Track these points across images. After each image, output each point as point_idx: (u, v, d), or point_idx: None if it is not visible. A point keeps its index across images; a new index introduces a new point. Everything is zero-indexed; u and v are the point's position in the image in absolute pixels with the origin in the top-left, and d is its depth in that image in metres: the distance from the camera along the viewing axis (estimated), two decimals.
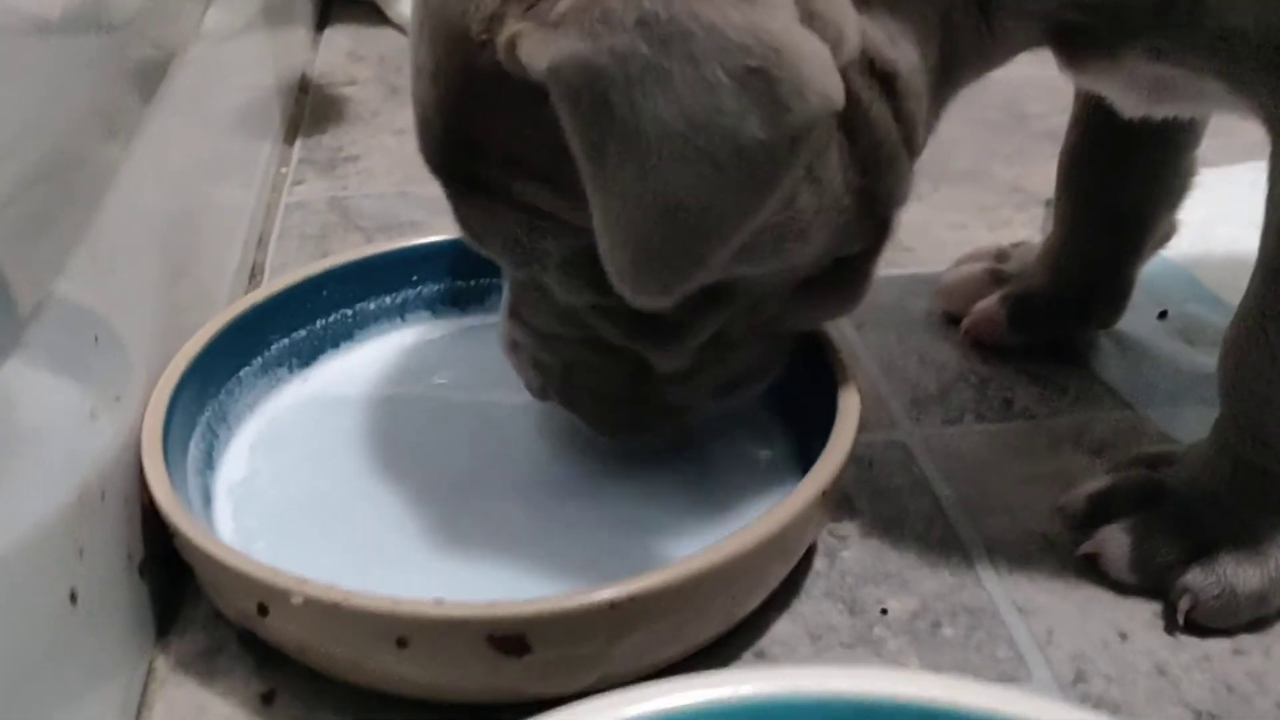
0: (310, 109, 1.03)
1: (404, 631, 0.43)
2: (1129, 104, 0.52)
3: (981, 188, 0.88)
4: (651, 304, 0.41)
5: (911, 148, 0.45)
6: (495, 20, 0.40)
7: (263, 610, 0.45)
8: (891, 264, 0.76)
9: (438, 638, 0.43)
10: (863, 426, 0.52)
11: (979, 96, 1.03)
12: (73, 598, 0.42)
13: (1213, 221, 0.76)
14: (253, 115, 0.89)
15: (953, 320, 0.71)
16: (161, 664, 0.49)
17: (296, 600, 0.43)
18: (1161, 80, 0.49)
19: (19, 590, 0.38)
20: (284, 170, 0.92)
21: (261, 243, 0.82)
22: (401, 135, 0.97)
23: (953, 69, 0.46)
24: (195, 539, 0.46)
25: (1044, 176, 0.87)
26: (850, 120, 0.43)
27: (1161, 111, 0.53)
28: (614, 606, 0.42)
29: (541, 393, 0.54)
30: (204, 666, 0.49)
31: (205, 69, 0.75)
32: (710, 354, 0.50)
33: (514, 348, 0.54)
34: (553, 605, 0.42)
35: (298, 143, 0.97)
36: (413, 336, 0.66)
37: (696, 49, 0.36)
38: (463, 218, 0.48)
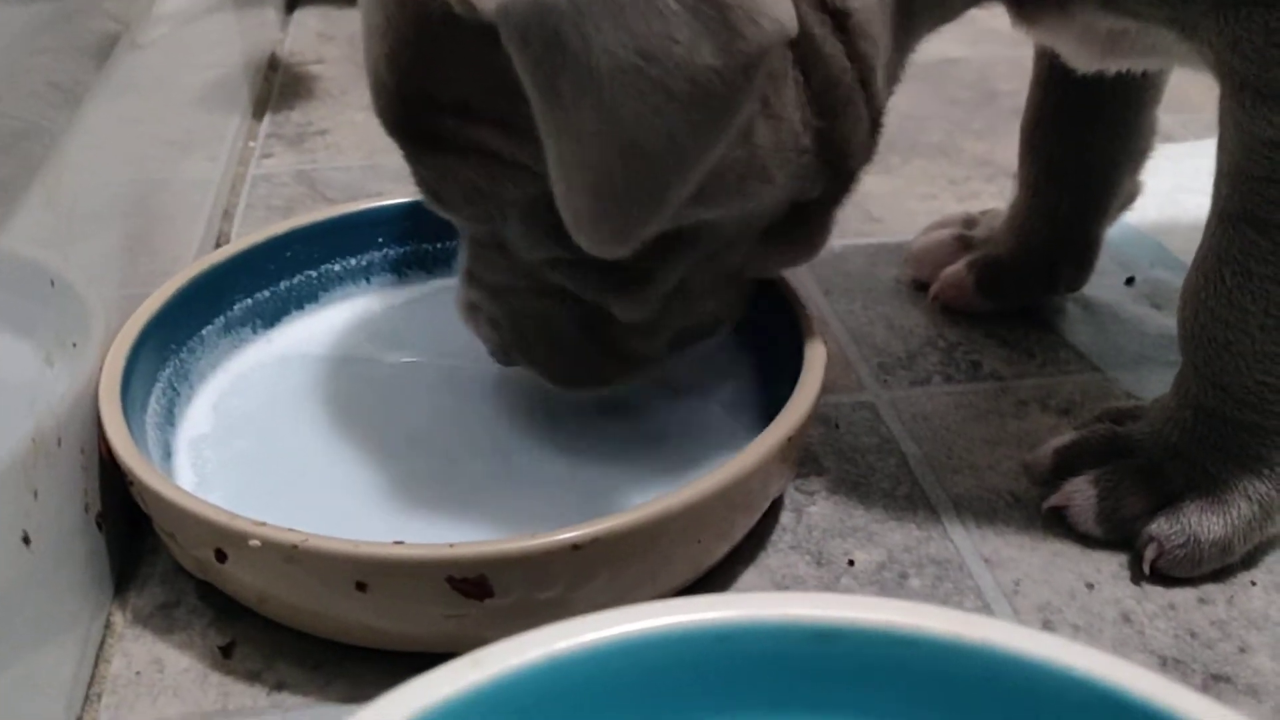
0: (279, 86, 1.03)
1: (363, 574, 0.42)
2: (1083, 58, 0.52)
3: (951, 161, 0.88)
4: (609, 252, 0.40)
5: (870, 92, 0.45)
6: None
7: (220, 556, 0.44)
8: (860, 234, 0.77)
9: (398, 580, 0.42)
10: (829, 388, 0.52)
11: (949, 75, 1.04)
12: (26, 540, 0.41)
13: (1179, 190, 0.77)
14: (220, 92, 0.88)
15: (921, 287, 0.71)
16: (119, 618, 0.49)
17: (254, 543, 0.42)
18: (1114, 33, 0.49)
19: None
20: (251, 144, 0.91)
21: (228, 214, 0.81)
22: (370, 111, 0.96)
23: (910, 15, 0.46)
24: (151, 483, 0.45)
25: (1013, 150, 0.86)
26: (804, 56, 0.43)
27: (1115, 65, 0.53)
28: (577, 548, 0.42)
29: (504, 355, 0.54)
30: (162, 620, 0.49)
31: (172, 48, 0.74)
32: (674, 303, 0.50)
33: (471, 310, 0.53)
34: (515, 546, 0.42)
35: (266, 118, 0.96)
36: (378, 299, 0.66)
37: None
38: (421, 177, 0.48)
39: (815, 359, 0.52)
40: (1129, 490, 0.51)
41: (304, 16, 1.20)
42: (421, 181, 0.48)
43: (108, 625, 0.48)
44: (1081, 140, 0.63)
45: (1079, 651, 0.32)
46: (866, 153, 0.47)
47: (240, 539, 0.43)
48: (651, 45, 0.36)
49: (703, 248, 0.47)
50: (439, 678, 0.31)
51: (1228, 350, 0.48)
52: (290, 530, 0.42)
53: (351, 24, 1.17)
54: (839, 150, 0.45)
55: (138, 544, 0.52)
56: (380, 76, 0.45)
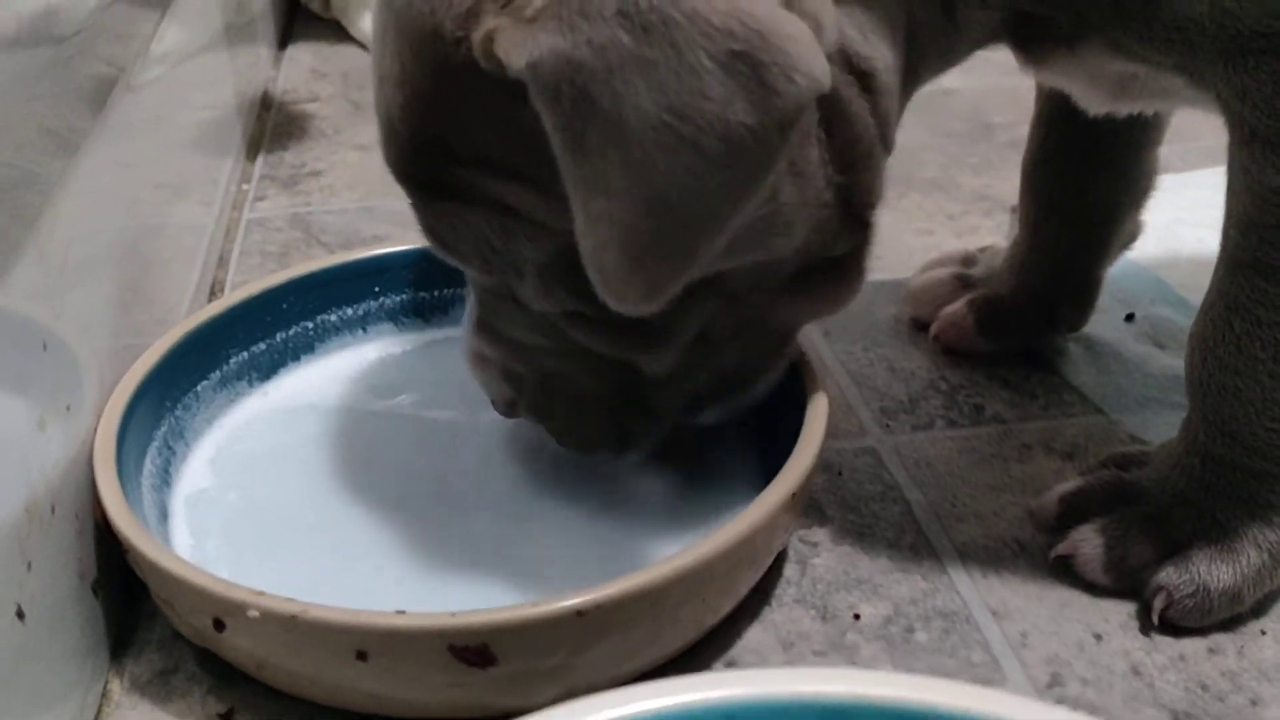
0: (272, 126, 1.02)
1: (364, 644, 0.41)
2: (1093, 101, 0.52)
3: (948, 196, 0.88)
4: (638, 309, 0.40)
5: (886, 145, 0.45)
6: (470, 17, 0.39)
7: (219, 625, 0.43)
8: None
9: (398, 649, 0.41)
10: (831, 433, 0.51)
11: (944, 107, 1.04)
12: (20, 614, 0.41)
13: (1178, 224, 0.77)
14: (213, 133, 0.88)
15: (921, 327, 0.70)
16: (116, 686, 0.48)
17: (253, 614, 0.42)
18: (1124, 76, 0.49)
19: None
20: (245, 187, 0.91)
21: (222, 261, 0.81)
22: (364, 151, 0.96)
23: (917, 66, 0.46)
24: (148, 552, 0.44)
25: (1010, 185, 0.87)
26: (830, 115, 0.42)
27: (1125, 108, 0.53)
28: (581, 614, 0.41)
29: (509, 408, 0.53)
30: (160, 687, 0.48)
31: (164, 87, 0.74)
32: (698, 352, 0.49)
33: (480, 362, 0.52)
34: (517, 614, 0.41)
35: (259, 159, 0.96)
36: (375, 349, 0.65)
37: (679, 35, 0.35)
38: (430, 227, 0.47)
39: (817, 408, 0.51)
40: (1136, 538, 0.50)
41: (296, 53, 1.20)
42: (430, 230, 0.47)
43: (105, 693, 0.48)
44: (1083, 180, 0.63)
45: None
46: (881, 197, 0.47)
47: (238, 609, 0.42)
48: (684, 102, 0.36)
49: (719, 296, 0.47)
50: None
51: (1237, 397, 0.47)
52: (289, 600, 0.42)
53: (344, 60, 1.17)
54: (861, 201, 0.45)
55: (135, 609, 0.51)
56: (393, 125, 0.44)
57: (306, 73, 1.15)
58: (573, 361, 0.50)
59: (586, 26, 0.35)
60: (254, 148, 0.98)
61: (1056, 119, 0.62)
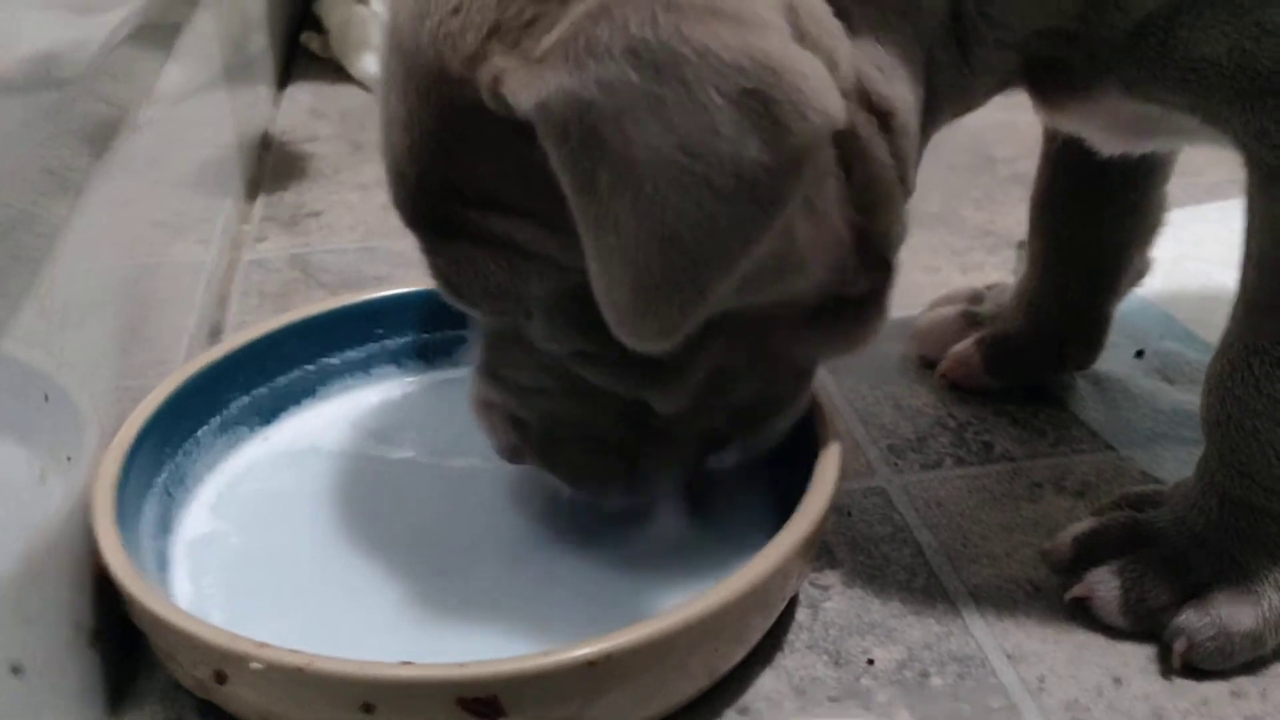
0: (272, 166, 1.02)
1: (370, 696, 0.40)
2: (1108, 143, 0.51)
3: (952, 231, 0.87)
4: (652, 347, 0.39)
5: (906, 186, 0.45)
6: (477, 59, 0.39)
7: (220, 678, 0.43)
8: None
9: (406, 702, 0.41)
10: (842, 475, 0.50)
11: (946, 140, 1.04)
12: (16, 670, 0.40)
13: (1184, 258, 0.76)
14: (213, 173, 0.88)
15: (928, 365, 0.70)
16: None
17: (256, 666, 0.41)
18: (1139, 118, 0.48)
19: None
20: (245, 227, 0.90)
21: (222, 301, 0.80)
22: (365, 190, 0.96)
23: (936, 107, 0.46)
24: (147, 604, 0.43)
25: (1014, 219, 0.87)
26: (847, 153, 0.42)
27: (1141, 148, 0.53)
28: (592, 665, 0.41)
29: (514, 454, 0.52)
30: None
31: (164, 128, 0.73)
32: (713, 389, 0.48)
33: (486, 407, 0.51)
34: (527, 664, 0.40)
35: (259, 199, 0.95)
36: (378, 391, 0.64)
37: (689, 73, 0.35)
38: (439, 270, 0.46)
39: (829, 453, 0.50)
40: (1154, 580, 0.49)
41: (296, 92, 1.20)
42: (438, 272, 0.46)
43: None
44: (1091, 218, 0.63)
45: None
46: (901, 240, 0.46)
47: (241, 661, 0.41)
48: (694, 141, 0.35)
49: (735, 334, 0.46)
50: None
51: (1255, 438, 0.47)
52: (294, 652, 0.41)
53: (344, 100, 1.17)
54: (880, 243, 0.45)
55: (134, 659, 0.50)
56: (400, 167, 0.44)
57: (306, 112, 1.15)
58: (581, 402, 0.49)
59: (594, 65, 0.35)
60: (254, 188, 0.97)
61: (1064, 157, 0.62)
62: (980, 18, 0.44)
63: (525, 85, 0.36)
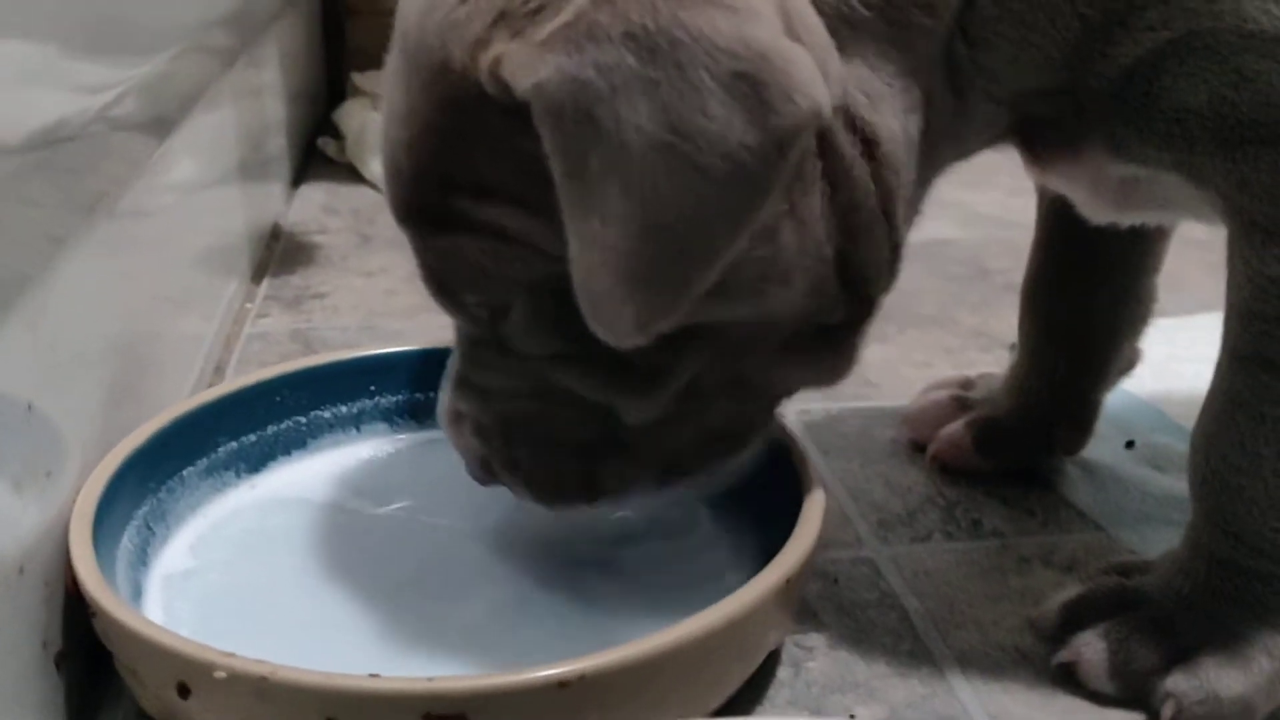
0: (280, 253, 1.04)
1: (335, 709, 0.40)
2: (1096, 209, 0.52)
3: (946, 332, 0.88)
4: (627, 341, 0.39)
5: (892, 223, 0.45)
6: (479, 45, 0.40)
7: (183, 691, 0.42)
8: (857, 397, 0.76)
9: (372, 716, 0.40)
10: (827, 542, 0.50)
11: (943, 254, 1.06)
12: None
13: (1175, 360, 0.77)
14: (221, 256, 0.89)
15: (919, 449, 0.69)
16: None
17: (220, 675, 0.40)
18: (1126, 182, 0.49)
19: None
20: (248, 305, 0.92)
21: (219, 369, 0.81)
22: (370, 276, 0.97)
23: (933, 147, 0.47)
24: (113, 612, 0.43)
25: (1007, 324, 0.87)
26: (833, 170, 0.43)
27: (1129, 218, 0.53)
28: (564, 685, 0.40)
29: (484, 470, 0.52)
30: None
31: (177, 214, 0.75)
32: (685, 406, 0.48)
33: (456, 419, 0.52)
34: (497, 681, 0.40)
35: (265, 282, 0.97)
36: (367, 448, 0.64)
37: (684, 56, 0.36)
38: (427, 264, 0.47)
39: (814, 503, 0.50)
40: (1141, 643, 0.48)
41: (309, 191, 1.23)
42: (426, 268, 0.47)
43: None
44: (1081, 304, 0.63)
45: None
46: (886, 281, 0.47)
47: (206, 670, 0.40)
48: (685, 121, 0.36)
49: (715, 347, 0.46)
50: None
51: (1240, 496, 0.47)
52: (258, 661, 0.40)
53: (355, 199, 1.20)
54: (859, 274, 0.45)
55: (98, 688, 0.49)
56: (397, 162, 0.45)
57: (317, 209, 1.17)
58: (547, 405, 0.49)
59: (593, 48, 0.36)
60: (260, 272, 0.99)
61: (1056, 242, 0.63)
62: (973, 66, 0.45)
63: (524, 67, 0.38)
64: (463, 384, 0.50)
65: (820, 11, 0.42)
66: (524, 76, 0.38)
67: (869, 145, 0.43)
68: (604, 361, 0.43)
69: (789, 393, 0.51)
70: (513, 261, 0.44)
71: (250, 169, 1.03)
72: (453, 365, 0.51)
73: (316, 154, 1.34)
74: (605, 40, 0.36)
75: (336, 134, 1.35)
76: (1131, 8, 0.43)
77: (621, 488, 0.51)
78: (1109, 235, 0.59)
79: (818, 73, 0.38)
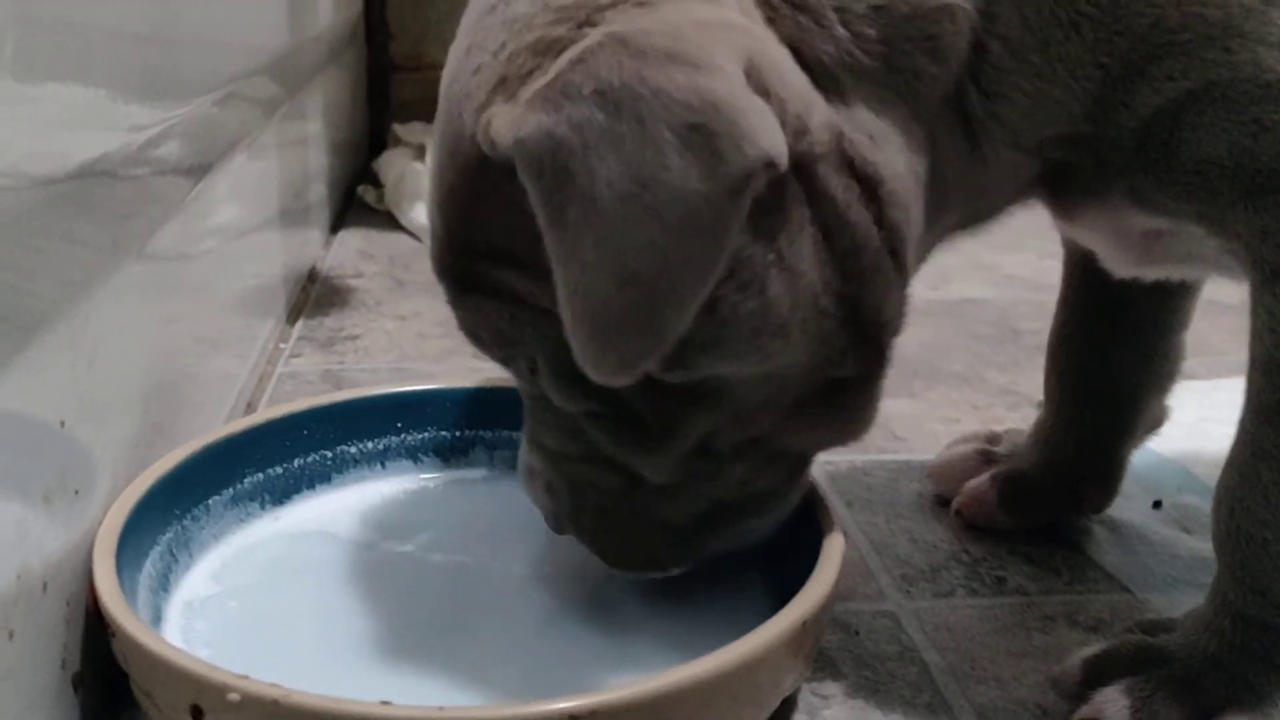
0: (316, 296, 1.05)
1: None
2: (1120, 261, 0.52)
3: (974, 389, 0.88)
4: (613, 381, 0.41)
5: (898, 261, 0.45)
6: (481, 109, 0.42)
7: (197, 714, 0.42)
8: (883, 450, 0.76)
9: None
10: (849, 595, 0.50)
11: (972, 314, 1.06)
12: None
13: (1204, 421, 0.76)
14: (257, 298, 0.91)
15: (944, 503, 0.69)
16: None
17: (233, 697, 0.40)
18: (1149, 235, 0.50)
19: None
20: (282, 346, 0.93)
21: (251, 407, 0.81)
22: (403, 320, 0.98)
23: (944, 193, 0.47)
24: (131, 631, 0.43)
25: (1036, 383, 0.86)
26: (825, 216, 0.43)
27: (1152, 272, 0.53)
28: (574, 718, 0.39)
29: (557, 523, 0.53)
30: None
31: (217, 258, 0.77)
32: (699, 466, 0.49)
33: (530, 475, 0.53)
34: (507, 713, 0.40)
35: (299, 323, 0.98)
36: (392, 485, 0.65)
37: (644, 110, 0.38)
38: (462, 320, 0.49)
39: (832, 547, 0.50)
40: (1164, 701, 0.47)
41: (347, 237, 1.25)
42: (463, 324, 0.49)
43: None
44: (1107, 360, 0.63)
45: None
46: (896, 325, 0.47)
47: (219, 692, 0.40)
48: (646, 173, 0.38)
49: (724, 407, 0.46)
50: None
51: (1265, 551, 0.46)
52: (272, 685, 0.40)
53: (392, 245, 1.22)
54: (869, 319, 0.45)
55: (112, 713, 0.49)
56: (433, 222, 0.48)
57: (354, 253, 1.19)
58: (595, 469, 0.50)
59: (568, 106, 0.38)
60: (295, 313, 1.00)
61: (1081, 297, 0.63)
62: (989, 116, 0.46)
63: (508, 125, 0.40)
64: (532, 442, 0.52)
65: (818, 61, 0.43)
66: (507, 134, 0.40)
67: (871, 185, 0.44)
68: (623, 418, 0.45)
69: (808, 453, 0.51)
70: (526, 324, 0.46)
71: (291, 215, 1.05)
72: (525, 421, 0.52)
73: (356, 201, 1.36)
74: (578, 98, 0.38)
75: (376, 182, 1.37)
76: (1150, 58, 0.43)
77: (678, 555, 0.52)
78: (1135, 291, 0.59)
79: (774, 121, 0.39)
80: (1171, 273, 0.54)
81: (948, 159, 0.46)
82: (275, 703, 0.40)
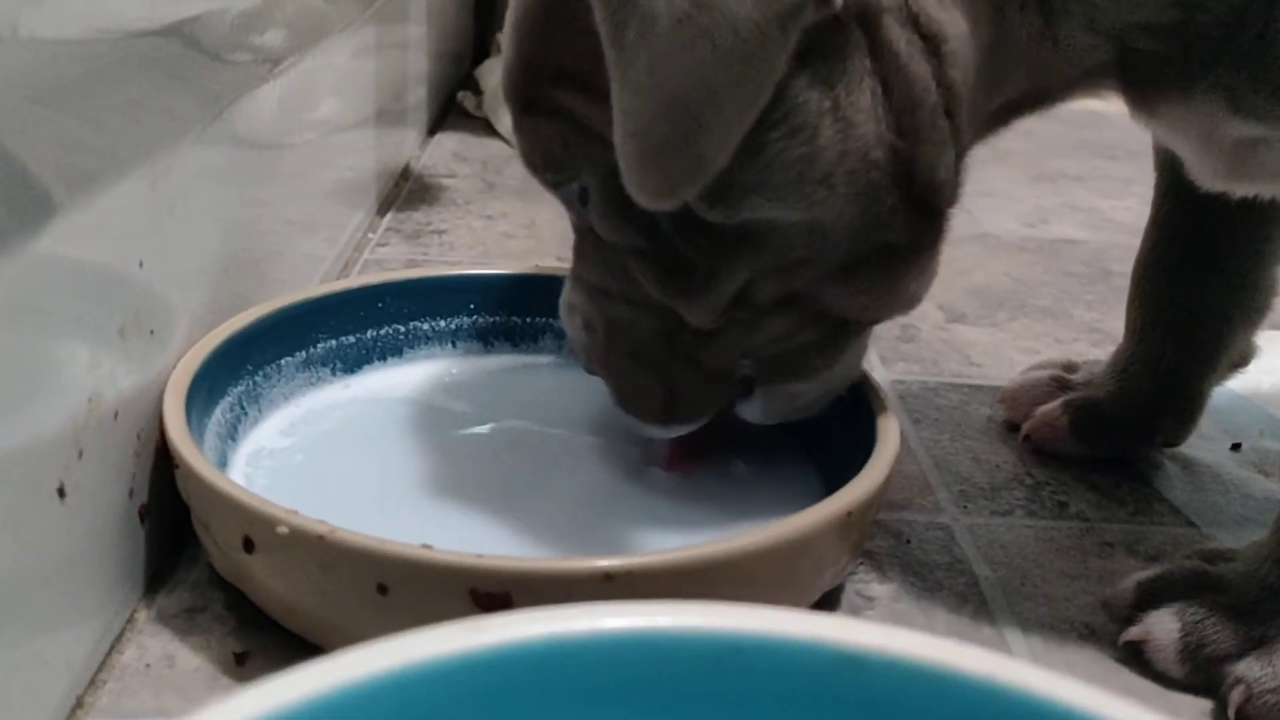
0: (408, 192, 1.06)
1: (386, 576, 0.41)
2: (1206, 172, 0.50)
3: (1059, 324, 0.86)
4: (655, 204, 0.41)
5: (954, 121, 0.44)
6: None
7: (249, 546, 0.43)
8: (958, 375, 0.75)
9: (420, 585, 0.40)
10: (904, 504, 0.49)
11: (1066, 253, 1.03)
12: (61, 492, 0.41)
13: None
14: (350, 190, 0.92)
15: (1014, 429, 0.68)
16: (143, 614, 0.48)
17: (282, 530, 0.41)
18: (1241, 146, 0.47)
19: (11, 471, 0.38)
20: (370, 235, 0.94)
21: None
22: (490, 220, 0.99)
23: (1006, 66, 0.45)
24: (193, 464, 0.45)
25: (1122, 322, 0.85)
26: (885, 69, 0.42)
27: (1241, 188, 0.51)
28: (610, 578, 0.40)
29: (588, 360, 0.53)
30: (184, 622, 0.48)
31: (314, 149, 0.78)
32: (739, 314, 0.48)
33: (570, 310, 0.54)
34: (544, 565, 0.40)
35: (389, 215, 0.99)
36: (461, 364, 0.66)
37: None
38: (521, 145, 0.50)
39: (886, 448, 0.49)
40: (1217, 626, 0.46)
41: (444, 139, 1.26)
42: (521, 149, 0.50)
43: (130, 619, 0.47)
44: (1194, 287, 0.61)
45: (1123, 705, 0.29)
46: (951, 192, 0.46)
47: (269, 524, 0.42)
48: None
49: (767, 254, 0.46)
50: (435, 638, 0.29)
51: None
52: (319, 521, 0.41)
53: (486, 150, 1.23)
54: (922, 180, 0.44)
55: (177, 549, 0.51)
56: (507, 49, 0.48)
57: (449, 155, 1.20)
58: (635, 309, 0.50)
59: None
60: (385, 207, 1.02)
61: (1171, 221, 0.61)
62: None
63: None
64: (575, 277, 0.53)
65: None
66: None
67: (934, 43, 0.43)
68: (668, 258, 0.45)
69: (851, 321, 0.50)
70: (582, 148, 0.46)
71: (388, 114, 1.06)
72: (573, 259, 0.53)
73: (455, 106, 1.37)
74: None
75: (476, 89, 1.38)
76: None
77: (692, 409, 0.52)
78: (1229, 216, 0.57)
79: None
80: (1264, 190, 0.52)
81: (1014, 31, 0.44)
82: (321, 538, 0.41)
